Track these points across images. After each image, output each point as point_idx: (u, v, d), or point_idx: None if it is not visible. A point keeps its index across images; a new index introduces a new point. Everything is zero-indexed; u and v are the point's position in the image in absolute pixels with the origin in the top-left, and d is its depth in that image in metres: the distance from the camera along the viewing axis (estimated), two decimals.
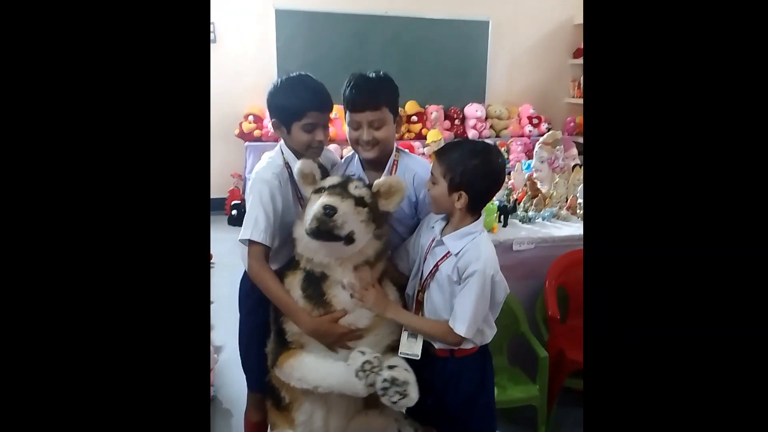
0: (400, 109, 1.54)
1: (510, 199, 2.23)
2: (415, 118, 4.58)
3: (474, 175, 1.25)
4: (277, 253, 1.41)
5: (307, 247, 1.27)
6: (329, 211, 1.17)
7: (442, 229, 1.33)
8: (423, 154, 4.14)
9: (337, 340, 1.29)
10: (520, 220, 2.16)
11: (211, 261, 3.48)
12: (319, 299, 1.29)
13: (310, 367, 1.30)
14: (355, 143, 1.42)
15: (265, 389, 1.47)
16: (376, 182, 1.32)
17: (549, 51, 5.15)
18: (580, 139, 4.78)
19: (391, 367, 1.24)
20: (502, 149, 4.73)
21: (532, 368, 1.89)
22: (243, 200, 4.30)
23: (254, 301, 1.49)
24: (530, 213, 2.18)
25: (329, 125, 1.44)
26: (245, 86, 4.38)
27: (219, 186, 4.35)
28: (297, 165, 1.35)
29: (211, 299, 2.98)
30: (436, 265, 1.30)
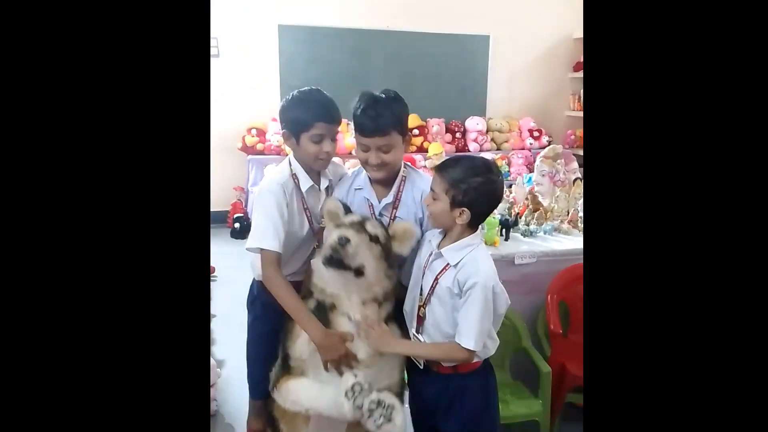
0: None
1: (511, 213, 2.24)
2: (416, 131, 4.61)
3: (477, 192, 1.27)
4: (284, 262, 1.44)
5: (321, 277, 1.35)
6: (343, 240, 1.25)
7: (439, 243, 1.34)
8: (424, 167, 4.17)
9: (338, 359, 1.31)
10: (521, 234, 2.16)
11: (214, 274, 3.48)
12: (326, 327, 1.33)
13: (304, 390, 1.34)
14: (365, 163, 1.44)
15: (266, 398, 1.49)
16: (392, 226, 1.40)
17: (549, 65, 5.19)
18: (581, 152, 4.80)
19: (380, 390, 1.28)
20: (503, 162, 4.77)
21: (535, 383, 1.88)
22: (245, 213, 4.31)
23: (260, 308, 1.56)
24: (532, 227, 2.19)
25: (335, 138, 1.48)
26: (248, 101, 4.42)
27: (221, 199, 4.37)
28: (324, 203, 1.46)
29: (214, 313, 2.98)
30: (436, 279, 1.31)
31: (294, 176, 1.47)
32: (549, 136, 4.99)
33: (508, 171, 4.73)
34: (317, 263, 1.34)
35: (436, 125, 4.69)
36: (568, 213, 2.34)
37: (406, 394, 1.44)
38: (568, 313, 2.04)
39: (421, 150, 4.48)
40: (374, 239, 1.31)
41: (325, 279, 1.33)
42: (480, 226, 1.37)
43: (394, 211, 1.46)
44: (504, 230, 2.09)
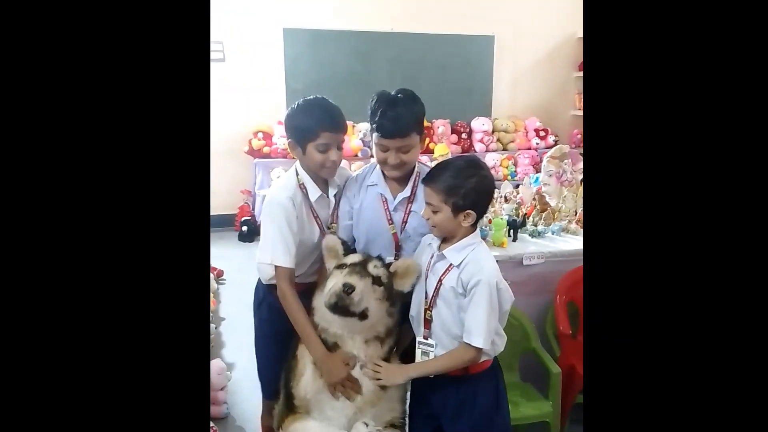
0: None
1: (519, 214, 2.24)
2: None
3: (477, 192, 1.28)
4: (296, 265, 1.45)
5: (323, 317, 1.36)
6: (348, 289, 1.25)
7: (440, 245, 1.34)
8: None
9: (339, 381, 1.32)
10: (529, 235, 2.16)
11: (222, 278, 3.50)
12: None
13: None
14: (383, 163, 1.45)
15: (278, 397, 1.49)
16: (394, 264, 1.39)
17: (553, 64, 5.18)
18: None
19: (384, 427, 1.30)
20: (509, 162, 4.76)
21: (544, 384, 1.88)
22: (253, 216, 4.33)
23: (267, 311, 1.57)
24: (539, 227, 2.18)
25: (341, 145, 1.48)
26: (254, 104, 4.45)
27: (229, 203, 4.38)
28: (324, 240, 1.44)
29: (222, 316, 3.00)
30: (440, 281, 1.32)
31: (302, 186, 1.47)
32: (555, 136, 4.98)
33: (515, 171, 4.72)
34: (320, 305, 1.35)
35: (441, 126, 4.69)
36: (576, 213, 2.33)
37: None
38: (577, 313, 2.03)
39: (427, 151, 4.48)
40: (377, 281, 1.31)
41: (328, 320, 1.34)
42: (479, 227, 1.37)
43: (410, 205, 1.47)
44: (512, 231, 2.08)
